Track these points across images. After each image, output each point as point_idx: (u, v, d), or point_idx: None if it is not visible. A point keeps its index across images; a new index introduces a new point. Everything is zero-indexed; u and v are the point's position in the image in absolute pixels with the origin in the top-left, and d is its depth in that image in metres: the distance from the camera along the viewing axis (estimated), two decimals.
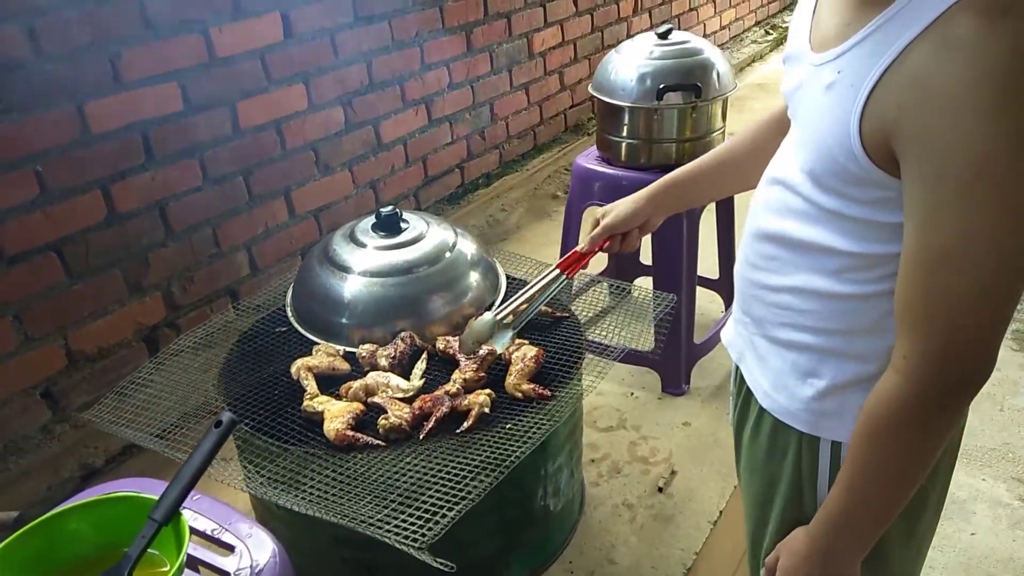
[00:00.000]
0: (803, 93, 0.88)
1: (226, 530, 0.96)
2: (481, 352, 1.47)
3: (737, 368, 1.12)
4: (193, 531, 0.90)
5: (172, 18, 2.18)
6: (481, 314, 1.48)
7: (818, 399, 0.95)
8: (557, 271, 1.36)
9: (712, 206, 2.39)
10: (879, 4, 0.77)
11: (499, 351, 1.47)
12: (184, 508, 0.86)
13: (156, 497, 0.85)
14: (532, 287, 1.39)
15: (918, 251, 0.76)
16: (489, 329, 1.43)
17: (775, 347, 0.99)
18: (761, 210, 0.97)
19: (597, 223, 1.29)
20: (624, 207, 1.26)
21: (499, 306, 1.45)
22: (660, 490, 2.03)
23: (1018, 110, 0.69)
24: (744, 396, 1.09)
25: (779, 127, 1.13)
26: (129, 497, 0.88)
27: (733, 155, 1.21)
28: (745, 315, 1.05)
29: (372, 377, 1.45)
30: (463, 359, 1.48)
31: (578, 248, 1.30)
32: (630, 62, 2.19)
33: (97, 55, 2.04)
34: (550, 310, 1.66)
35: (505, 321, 1.44)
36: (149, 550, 0.82)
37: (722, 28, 5.60)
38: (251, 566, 0.94)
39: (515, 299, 1.41)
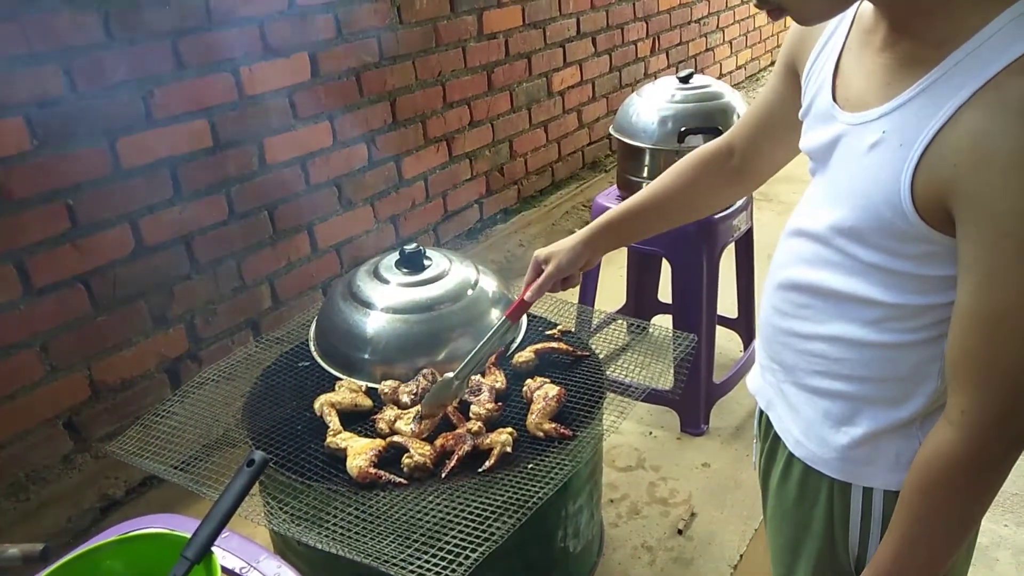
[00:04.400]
0: (838, 151, 0.89)
1: (254, 568, 0.96)
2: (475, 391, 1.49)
3: (761, 413, 1.12)
4: (223, 569, 0.91)
5: (204, 57, 2.24)
6: (442, 378, 1.45)
7: (852, 447, 0.95)
8: (506, 319, 1.37)
9: (731, 247, 2.40)
10: (923, 65, 0.78)
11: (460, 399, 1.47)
12: (214, 546, 0.86)
13: (188, 535, 0.85)
14: (484, 340, 1.39)
15: (975, 308, 0.77)
16: (451, 389, 1.41)
17: (806, 394, 0.99)
18: (789, 261, 0.98)
19: (539, 270, 1.30)
20: (565, 256, 1.27)
21: (459, 370, 1.42)
22: (680, 532, 2.01)
23: None
24: (771, 442, 1.09)
25: (711, 166, 1.19)
26: (162, 535, 0.88)
27: (668, 194, 1.23)
28: (773, 362, 1.05)
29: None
30: (472, 396, 1.49)
31: (525, 298, 1.32)
32: (651, 105, 2.22)
33: (130, 93, 2.09)
34: (571, 348, 1.66)
35: (461, 374, 1.42)
36: None
37: (738, 68, 5.67)
38: None
39: (470, 355, 1.40)
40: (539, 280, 1.29)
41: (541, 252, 1.30)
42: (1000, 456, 0.80)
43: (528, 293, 1.30)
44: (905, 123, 0.79)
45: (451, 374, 1.42)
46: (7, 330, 1.94)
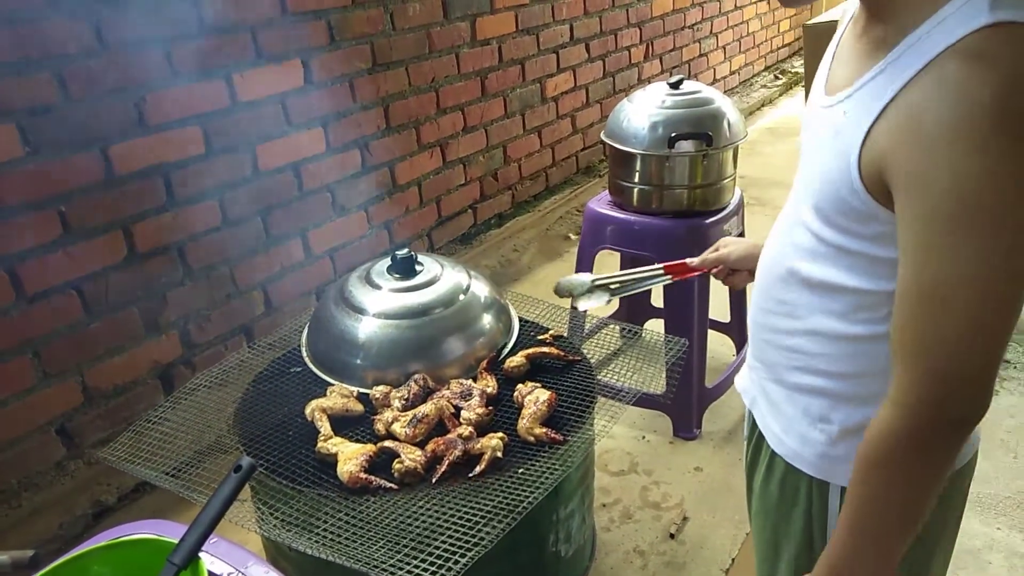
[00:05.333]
0: (814, 136, 0.92)
1: (241, 574, 0.96)
2: (477, 390, 1.52)
3: (751, 413, 1.13)
4: (210, 574, 0.91)
5: (197, 64, 2.25)
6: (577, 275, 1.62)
7: (830, 444, 0.96)
8: (662, 269, 1.46)
9: None
10: (885, 48, 0.81)
11: (585, 308, 1.61)
12: (202, 551, 0.87)
13: (175, 540, 0.86)
14: (635, 271, 1.54)
15: (909, 285, 0.78)
16: (583, 286, 1.55)
17: (787, 392, 1.00)
18: (774, 255, 1.00)
19: (717, 249, 1.36)
20: (743, 246, 1.33)
21: (600, 276, 1.60)
22: (672, 536, 2.02)
23: (998, 151, 0.71)
24: (756, 441, 1.10)
25: None
26: (149, 540, 0.89)
27: None
28: (757, 360, 1.06)
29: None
30: (463, 401, 1.50)
31: (688, 260, 1.38)
32: (642, 111, 2.23)
33: (123, 99, 2.10)
34: (563, 353, 1.67)
35: (601, 284, 1.57)
36: None
37: (732, 73, 5.68)
38: None
39: (617, 274, 1.57)
40: (710, 251, 1.35)
41: (727, 238, 1.37)
42: (936, 436, 0.79)
43: (695, 258, 1.37)
44: (861, 103, 0.81)
45: (588, 276, 1.56)
46: None
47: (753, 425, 1.11)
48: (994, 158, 0.71)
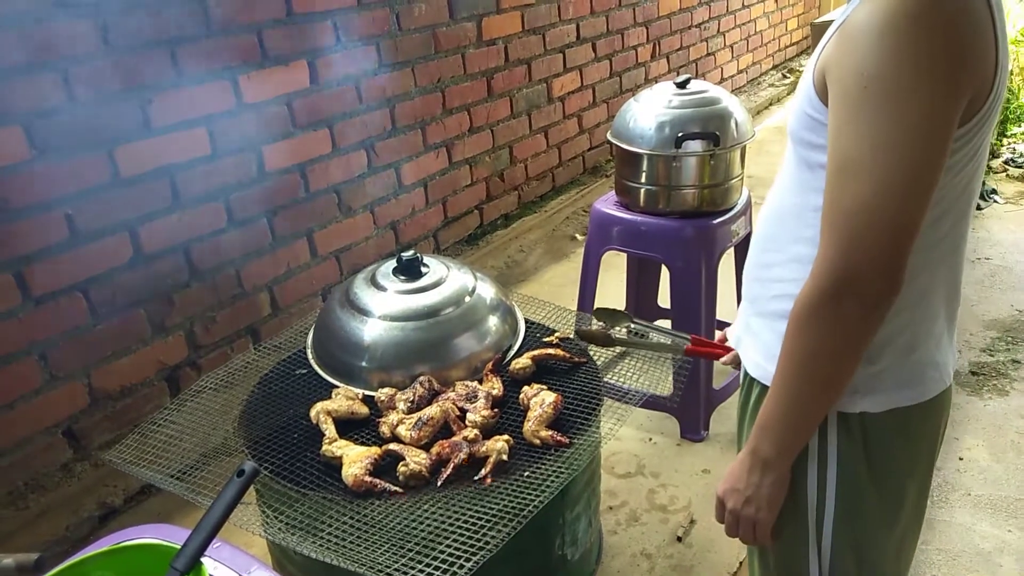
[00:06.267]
0: None
1: None
2: (482, 393, 1.51)
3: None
4: None
5: (202, 66, 2.24)
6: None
7: None
8: (685, 342, 1.50)
9: (731, 251, 2.39)
10: None
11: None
12: (205, 556, 0.86)
13: (177, 545, 0.85)
14: (658, 335, 1.60)
15: (829, 166, 0.85)
16: (605, 339, 1.60)
17: (766, 320, 1.04)
18: (771, 198, 1.04)
19: None
20: None
21: (625, 333, 1.68)
22: (679, 539, 2.00)
23: (900, 34, 0.78)
24: (747, 383, 1.12)
25: None
26: (151, 545, 0.88)
27: None
28: (746, 301, 1.11)
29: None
30: (469, 404, 1.50)
31: (719, 358, 1.40)
32: (649, 111, 2.22)
33: (129, 102, 2.10)
34: (569, 355, 1.66)
35: (620, 339, 1.63)
36: None
37: (739, 72, 5.66)
38: None
39: (639, 340, 1.64)
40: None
41: None
42: (836, 302, 0.85)
43: (727, 356, 1.37)
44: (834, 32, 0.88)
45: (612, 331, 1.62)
46: (6, 339, 1.94)
47: (746, 372, 1.14)
48: (895, 40, 0.78)
